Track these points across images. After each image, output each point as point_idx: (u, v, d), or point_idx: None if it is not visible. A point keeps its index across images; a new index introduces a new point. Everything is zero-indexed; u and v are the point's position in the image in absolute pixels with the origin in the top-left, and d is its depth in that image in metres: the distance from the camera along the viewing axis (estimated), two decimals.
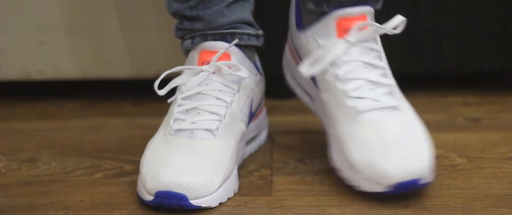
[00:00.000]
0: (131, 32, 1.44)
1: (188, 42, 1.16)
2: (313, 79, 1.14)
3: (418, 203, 1.06)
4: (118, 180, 1.15)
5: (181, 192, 1.01)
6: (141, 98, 1.50)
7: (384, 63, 1.11)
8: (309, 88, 1.17)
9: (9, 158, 1.23)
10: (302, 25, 1.15)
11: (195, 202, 1.02)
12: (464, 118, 1.22)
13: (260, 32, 1.20)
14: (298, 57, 1.16)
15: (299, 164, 1.19)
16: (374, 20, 1.12)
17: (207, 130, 1.09)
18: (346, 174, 1.08)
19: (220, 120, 1.10)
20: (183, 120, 1.09)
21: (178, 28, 1.17)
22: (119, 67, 1.46)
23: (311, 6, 1.12)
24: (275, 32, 1.33)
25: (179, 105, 1.11)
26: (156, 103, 1.46)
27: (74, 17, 1.43)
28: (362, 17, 1.10)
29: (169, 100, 1.12)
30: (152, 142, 1.10)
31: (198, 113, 1.10)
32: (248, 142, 1.22)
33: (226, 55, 1.13)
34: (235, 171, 1.10)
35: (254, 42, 1.17)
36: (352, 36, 1.09)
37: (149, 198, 1.03)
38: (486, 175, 1.15)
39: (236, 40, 1.12)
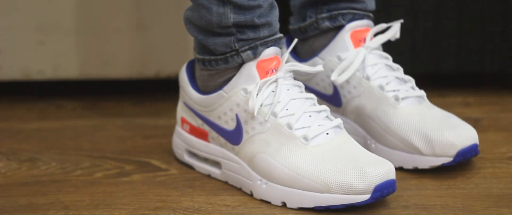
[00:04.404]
0: (131, 32, 1.44)
1: (247, 54, 1.09)
2: (337, 95, 1.21)
3: (418, 203, 1.06)
4: (118, 180, 1.15)
5: (393, 178, 1.04)
6: (141, 99, 1.50)
7: (397, 65, 1.21)
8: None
9: (9, 158, 1.23)
10: (306, 55, 1.25)
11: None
12: (464, 118, 1.22)
13: None
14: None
15: None
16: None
17: (336, 127, 1.08)
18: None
19: (328, 117, 1.09)
20: (308, 127, 1.07)
21: (239, 40, 1.09)
22: (119, 67, 1.46)
23: (326, 24, 1.22)
24: None
25: (282, 117, 1.08)
26: (156, 104, 1.46)
27: (74, 17, 1.43)
28: (368, 29, 1.22)
29: (255, 113, 1.07)
30: (287, 162, 1.05)
31: (310, 115, 1.08)
32: None
33: (278, 60, 1.11)
34: None
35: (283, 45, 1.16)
36: (370, 43, 1.20)
37: (364, 198, 1.02)
38: (486, 175, 1.15)
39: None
